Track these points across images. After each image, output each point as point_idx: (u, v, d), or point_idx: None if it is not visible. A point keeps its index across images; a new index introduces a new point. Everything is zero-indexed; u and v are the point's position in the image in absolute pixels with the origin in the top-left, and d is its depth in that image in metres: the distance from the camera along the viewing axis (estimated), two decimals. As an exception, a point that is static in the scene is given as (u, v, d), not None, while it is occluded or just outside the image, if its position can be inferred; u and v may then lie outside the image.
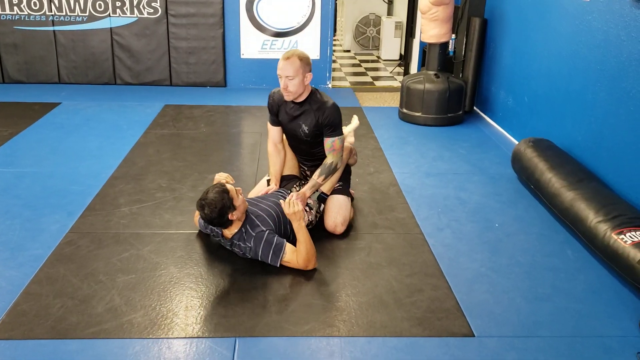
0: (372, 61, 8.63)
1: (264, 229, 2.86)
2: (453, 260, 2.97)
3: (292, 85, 3.04)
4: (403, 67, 7.75)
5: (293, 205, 2.86)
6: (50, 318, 2.43)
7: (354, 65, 8.34)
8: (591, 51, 3.70)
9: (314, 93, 3.18)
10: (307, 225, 3.10)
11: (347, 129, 3.75)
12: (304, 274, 2.80)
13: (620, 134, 3.36)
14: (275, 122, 3.34)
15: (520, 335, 2.39)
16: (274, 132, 3.37)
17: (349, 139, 3.63)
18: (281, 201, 2.91)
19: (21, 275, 2.74)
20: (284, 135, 3.43)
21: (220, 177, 3.10)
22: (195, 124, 5.22)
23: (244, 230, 2.85)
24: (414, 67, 7.00)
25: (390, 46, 8.66)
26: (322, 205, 3.30)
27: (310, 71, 3.09)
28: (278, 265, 2.81)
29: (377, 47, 9.19)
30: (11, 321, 2.40)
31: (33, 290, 2.63)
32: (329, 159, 3.19)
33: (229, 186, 2.83)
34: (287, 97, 3.11)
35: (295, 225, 2.86)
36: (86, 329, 2.36)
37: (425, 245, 3.12)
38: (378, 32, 9.18)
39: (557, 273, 2.88)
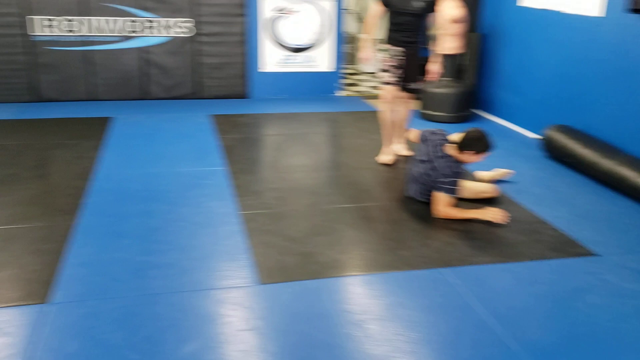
0: (356, 74, 9.53)
1: None
2: (544, 212, 3.94)
3: None
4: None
5: None
6: (294, 266, 3.13)
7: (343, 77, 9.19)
8: (602, 53, 4.85)
9: None
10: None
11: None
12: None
13: (636, 116, 4.50)
14: (384, 3, 4.69)
15: None
16: (379, 10, 4.74)
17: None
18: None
19: (237, 242, 3.38)
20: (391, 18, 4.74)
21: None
22: (251, 129, 5.95)
23: None
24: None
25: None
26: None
27: None
28: None
29: (352, 62, 10.08)
30: (269, 270, 3.08)
31: (260, 251, 3.28)
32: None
33: None
34: None
35: None
36: (328, 272, 3.08)
37: (515, 203, 4.10)
38: (353, 49, 10.07)
39: (620, 215, 3.95)
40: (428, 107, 6.36)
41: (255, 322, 2.66)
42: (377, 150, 5.19)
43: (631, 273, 3.20)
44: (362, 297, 2.94)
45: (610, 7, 4.81)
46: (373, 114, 6.46)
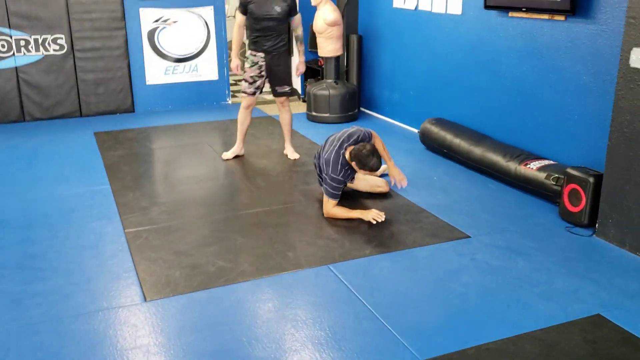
0: (239, 81, 9.50)
1: None
2: (423, 201, 4.21)
3: None
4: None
5: None
6: (180, 280, 3.12)
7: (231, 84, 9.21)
8: (464, 48, 5.20)
9: None
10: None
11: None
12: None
13: (500, 104, 4.88)
14: (245, 11, 4.87)
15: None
16: (241, 19, 4.94)
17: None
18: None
19: (123, 261, 3.33)
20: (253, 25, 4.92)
21: None
22: (138, 144, 5.80)
23: None
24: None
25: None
26: None
27: None
28: None
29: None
30: (154, 286, 3.06)
31: (145, 268, 3.25)
32: (299, 31, 5.11)
33: None
34: None
35: None
36: (216, 281, 3.10)
37: (398, 194, 4.32)
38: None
39: (491, 198, 4.27)
40: (314, 109, 6.51)
41: (141, 340, 2.64)
42: (268, 155, 5.29)
43: (499, 251, 3.48)
44: (250, 303, 2.98)
45: (465, 4, 5.16)
46: (263, 120, 6.57)
